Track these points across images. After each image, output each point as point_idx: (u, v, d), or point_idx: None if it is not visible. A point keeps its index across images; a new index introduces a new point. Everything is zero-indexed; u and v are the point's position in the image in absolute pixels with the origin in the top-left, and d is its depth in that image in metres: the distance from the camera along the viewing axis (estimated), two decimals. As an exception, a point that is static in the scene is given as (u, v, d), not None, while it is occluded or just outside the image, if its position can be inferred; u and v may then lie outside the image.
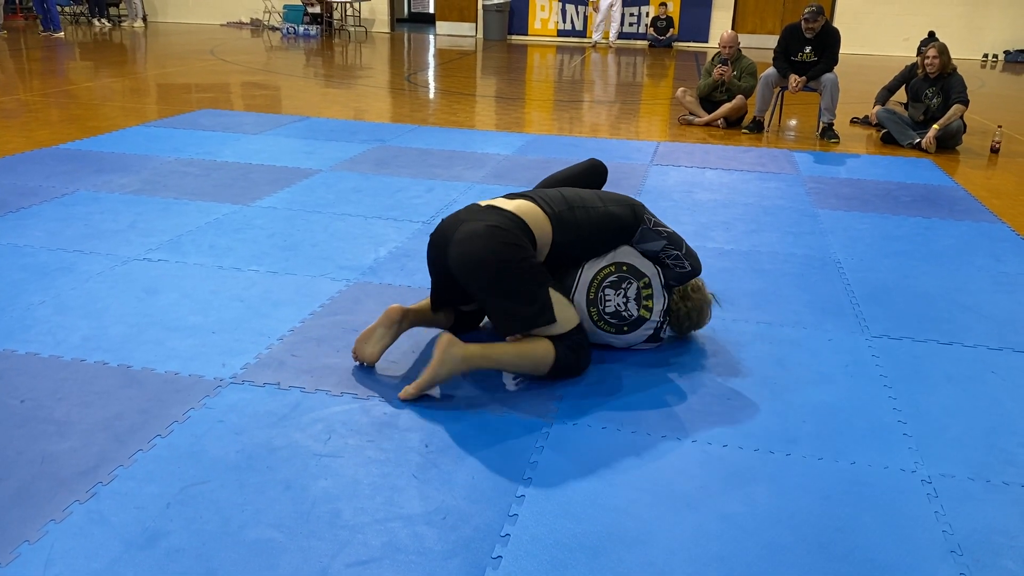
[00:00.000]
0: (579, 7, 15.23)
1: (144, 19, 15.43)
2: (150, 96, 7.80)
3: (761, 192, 5.01)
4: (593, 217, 2.70)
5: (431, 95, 8.83)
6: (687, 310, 2.86)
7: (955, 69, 6.51)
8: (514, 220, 2.58)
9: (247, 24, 15.79)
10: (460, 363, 2.45)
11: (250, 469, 2.10)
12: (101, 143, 5.64)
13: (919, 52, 6.70)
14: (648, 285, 2.74)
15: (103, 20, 15.00)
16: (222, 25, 15.86)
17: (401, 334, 2.75)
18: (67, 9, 15.58)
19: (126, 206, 4.25)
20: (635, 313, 2.73)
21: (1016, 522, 2.00)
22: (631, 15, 15.19)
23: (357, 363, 2.66)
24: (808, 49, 6.79)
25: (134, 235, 3.81)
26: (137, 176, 4.83)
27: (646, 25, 15.12)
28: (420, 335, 2.87)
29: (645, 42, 15.04)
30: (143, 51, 11.73)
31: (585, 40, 15.15)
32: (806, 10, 6.68)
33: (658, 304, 2.77)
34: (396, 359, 2.71)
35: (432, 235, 2.71)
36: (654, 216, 2.83)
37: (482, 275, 2.49)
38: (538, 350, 2.53)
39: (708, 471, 2.16)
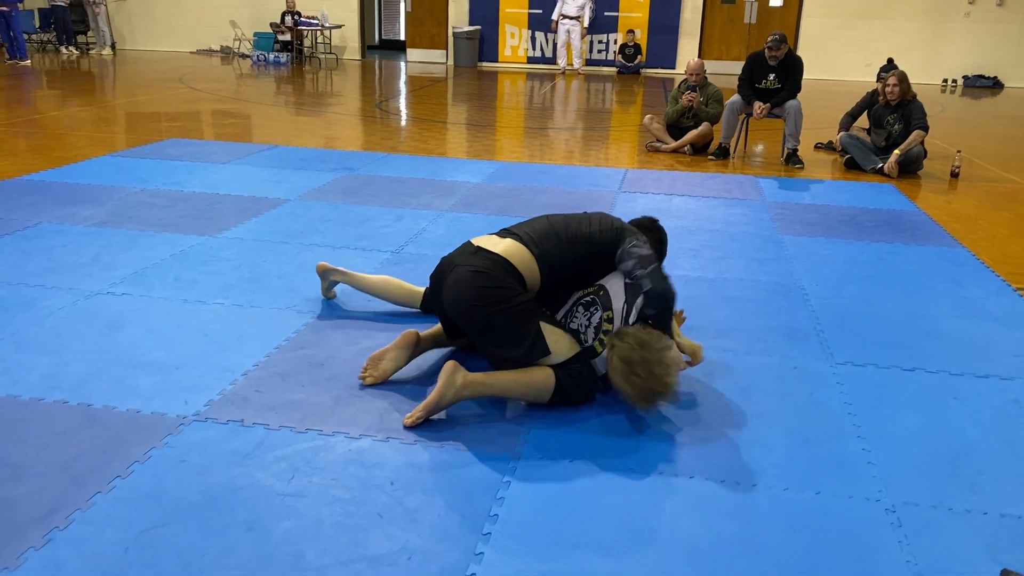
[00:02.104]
0: (548, 34, 15.37)
1: (112, 47, 15.35)
2: (118, 125, 7.74)
3: (727, 219, 5.06)
4: (579, 252, 2.74)
5: (402, 122, 8.85)
6: (611, 358, 2.51)
7: (915, 96, 6.65)
8: (500, 263, 2.64)
9: (217, 52, 15.75)
10: (463, 389, 2.51)
11: (212, 510, 2.06)
12: (66, 174, 5.58)
13: (879, 79, 6.81)
14: (610, 320, 2.68)
15: (71, 48, 14.89)
16: (192, 53, 15.81)
17: (416, 357, 2.86)
18: (34, 37, 15.47)
19: (90, 239, 4.20)
20: (589, 341, 2.69)
21: (978, 551, 2.02)
22: (599, 42, 15.36)
23: (362, 382, 2.73)
24: (772, 76, 6.90)
25: (97, 269, 3.76)
26: (102, 208, 4.78)
27: (614, 52, 15.29)
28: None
29: (614, 69, 15.21)
30: (111, 79, 11.65)
31: (555, 67, 15.28)
32: (770, 38, 6.80)
33: None
34: (376, 389, 2.69)
35: (431, 276, 2.82)
36: (638, 239, 2.74)
37: (471, 320, 2.62)
38: (539, 377, 2.57)
39: (675, 504, 2.16)
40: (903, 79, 6.61)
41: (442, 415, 2.56)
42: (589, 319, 2.72)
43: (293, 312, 3.34)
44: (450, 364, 2.52)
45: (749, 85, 6.98)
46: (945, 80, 14.66)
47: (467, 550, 1.95)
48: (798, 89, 6.91)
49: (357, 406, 2.60)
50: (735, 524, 2.08)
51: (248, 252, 4.07)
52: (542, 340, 2.58)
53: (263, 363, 2.88)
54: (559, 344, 2.61)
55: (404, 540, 1.98)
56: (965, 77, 14.67)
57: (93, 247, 4.07)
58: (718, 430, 2.55)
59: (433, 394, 2.49)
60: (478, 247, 2.72)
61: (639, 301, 2.62)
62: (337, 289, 3.51)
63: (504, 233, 2.81)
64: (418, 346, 2.82)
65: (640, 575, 1.89)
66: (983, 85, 14.53)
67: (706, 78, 7.37)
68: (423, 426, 2.50)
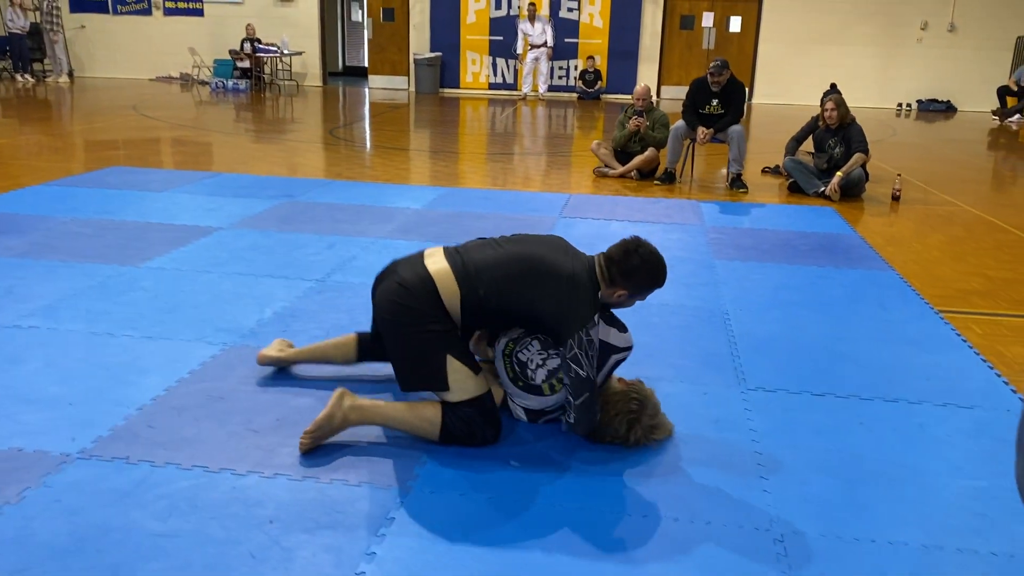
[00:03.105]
0: (509, 61, 15.47)
1: (70, 74, 15.23)
2: (61, 154, 7.64)
3: (663, 243, 5.02)
4: (512, 314, 2.55)
5: (353, 149, 8.82)
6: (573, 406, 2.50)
7: (854, 119, 6.73)
8: (426, 284, 2.51)
9: (176, 79, 15.68)
10: (350, 412, 2.51)
11: (78, 553, 1.99)
12: (-4, 203, 5.48)
13: (822, 104, 6.89)
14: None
15: (27, 76, 14.75)
16: (151, 80, 15.73)
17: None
18: (-10, 64, 15.32)
19: (7, 270, 4.10)
20: (536, 381, 2.59)
21: (859, 580, 2.00)
22: (560, 68, 15.47)
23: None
24: (715, 102, 6.96)
25: (9, 301, 3.68)
26: (26, 238, 4.69)
27: (575, 78, 15.41)
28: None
29: (574, 94, 15.32)
30: (64, 107, 11.54)
31: (515, 93, 15.37)
32: (712, 64, 6.86)
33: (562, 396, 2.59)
34: (268, 424, 2.63)
35: (378, 275, 2.74)
36: (579, 341, 2.42)
37: (386, 331, 2.59)
38: (427, 414, 2.53)
39: (561, 535, 2.12)
40: (840, 104, 6.70)
41: (339, 446, 2.50)
42: (544, 360, 2.59)
43: (203, 344, 3.27)
44: (340, 389, 2.52)
45: (693, 111, 7.03)
46: (899, 104, 14.91)
47: (336, 591, 1.90)
48: (741, 114, 6.97)
49: (249, 441, 2.54)
50: (620, 556, 2.04)
51: (168, 282, 4.00)
52: (443, 374, 2.49)
53: (161, 397, 2.81)
54: (462, 383, 2.49)
55: (273, 581, 1.92)
56: (919, 101, 14.93)
57: (9, 279, 3.97)
58: (616, 460, 2.51)
59: (319, 417, 2.48)
60: (420, 258, 2.61)
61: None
62: (260, 325, 3.47)
63: (452, 251, 2.63)
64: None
65: (511, 613, 1.84)
66: (936, 109, 14.79)
67: (652, 103, 7.43)
68: (314, 461, 2.44)
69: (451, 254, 2.62)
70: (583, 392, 2.45)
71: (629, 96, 15.29)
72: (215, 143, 8.63)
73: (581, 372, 2.43)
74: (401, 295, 2.52)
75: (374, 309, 2.68)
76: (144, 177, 6.55)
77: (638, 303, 2.74)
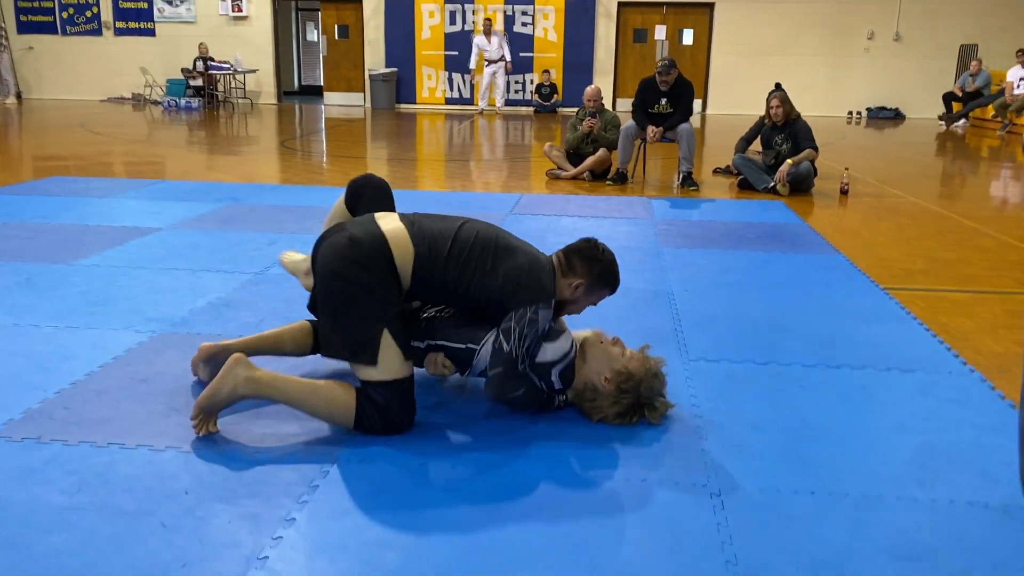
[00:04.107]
0: (465, 76, 15.49)
1: (18, 96, 14.96)
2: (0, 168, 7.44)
3: (610, 235, 5.02)
4: (461, 286, 2.42)
5: (307, 158, 8.72)
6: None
7: (799, 115, 6.80)
8: (379, 241, 2.37)
9: (128, 99, 15.47)
10: (244, 384, 2.30)
11: (-27, 529, 1.87)
12: (-74, 211, 5.30)
13: (767, 102, 6.94)
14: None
15: (-28, 98, 14.47)
16: (102, 100, 15.49)
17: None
18: (-66, 87, 15.00)
19: (-69, 270, 3.95)
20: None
21: (796, 528, 1.94)
22: (516, 82, 15.52)
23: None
24: (664, 101, 6.99)
25: (-71, 298, 3.52)
26: (-46, 241, 4.52)
27: (531, 92, 15.46)
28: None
29: (531, 108, 15.36)
30: (11, 127, 11.28)
31: (472, 107, 15.38)
32: (659, 64, 6.90)
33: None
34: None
35: (320, 234, 2.56)
36: (520, 316, 2.33)
37: (326, 286, 2.37)
38: (337, 395, 2.32)
39: (489, 501, 2.04)
40: (785, 100, 6.76)
41: (265, 419, 2.40)
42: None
43: (131, 332, 3.15)
44: (235, 355, 2.33)
45: (642, 110, 7.05)
46: (850, 112, 15.16)
47: (251, 555, 1.79)
48: (690, 112, 7.00)
49: (171, 420, 2.43)
50: (543, 517, 1.97)
51: (100, 278, 3.86)
52: (374, 347, 2.31)
53: (81, 381, 2.68)
54: (390, 361, 2.32)
55: (183, 549, 1.81)
56: (869, 109, 15.20)
57: (-69, 278, 3.82)
58: (553, 425, 2.44)
59: (208, 388, 2.30)
60: (371, 219, 2.47)
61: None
62: (192, 314, 3.35)
63: (406, 216, 2.52)
64: (219, 357, 2.61)
65: (433, 569, 1.76)
66: (885, 116, 15.06)
67: (603, 104, 7.44)
68: (237, 435, 2.34)
69: (405, 218, 2.50)
70: (498, 365, 2.34)
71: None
72: (163, 155, 8.49)
73: (505, 346, 2.33)
74: (351, 249, 2.34)
75: (314, 269, 2.46)
76: (85, 185, 6.39)
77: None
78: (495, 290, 2.40)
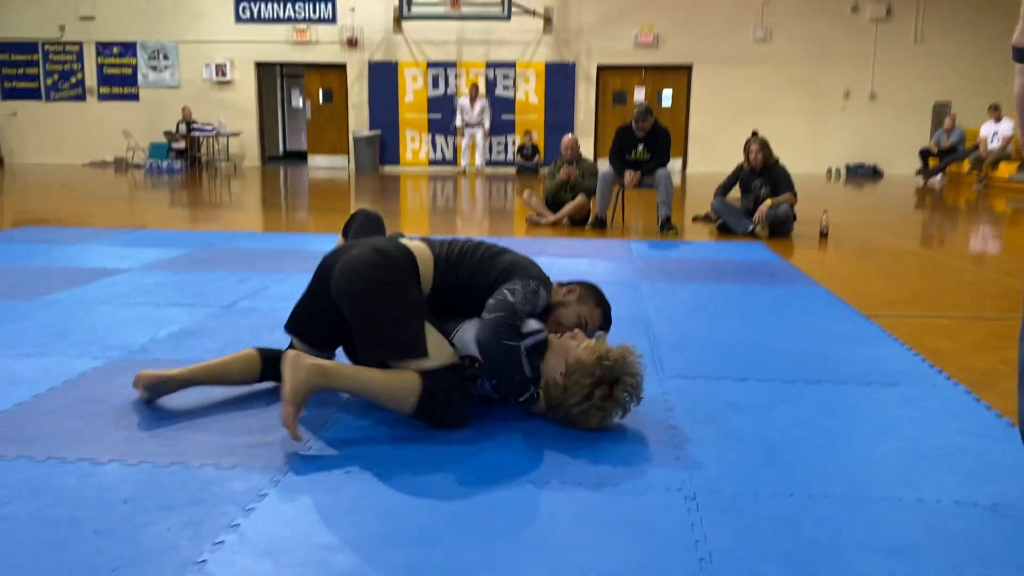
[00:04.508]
0: (448, 137, 15.66)
1: (0, 161, 14.96)
2: (-27, 220, 7.35)
3: (589, 272, 4.96)
4: (477, 264, 2.55)
5: (288, 211, 8.68)
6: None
7: (777, 160, 6.83)
8: (405, 253, 2.50)
9: (110, 163, 15.50)
10: (315, 373, 2.23)
11: None
12: None
13: (746, 149, 6.99)
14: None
15: (-45, 163, 14.47)
16: (84, 165, 15.52)
17: (164, 395, 2.55)
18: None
19: None
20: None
21: (774, 527, 1.82)
22: (498, 143, 15.69)
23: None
24: (641, 147, 7.02)
25: None
26: (-85, 282, 4.41)
27: (513, 152, 15.62)
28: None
29: (513, 168, 15.49)
30: (-12, 187, 11.25)
31: (456, 167, 15.49)
32: (635, 111, 6.95)
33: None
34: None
35: (325, 256, 2.60)
36: (518, 285, 2.42)
37: (359, 297, 2.38)
38: (406, 379, 2.29)
39: (450, 510, 1.92)
40: (764, 145, 6.81)
41: (213, 431, 2.28)
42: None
43: (86, 359, 3.03)
44: (290, 353, 2.27)
45: (620, 157, 7.08)
46: (829, 169, 15.36)
47: (188, 559, 1.66)
48: (667, 158, 7.03)
49: (117, 435, 2.30)
50: (510, 523, 1.85)
51: (61, 313, 3.75)
52: (422, 338, 2.32)
53: (27, 403, 2.55)
54: (439, 350, 2.35)
55: (115, 554, 1.68)
56: (847, 166, 15.40)
57: None
58: (520, 431, 2.33)
59: (284, 386, 2.21)
60: (395, 233, 2.62)
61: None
62: (153, 343, 3.24)
63: (415, 238, 2.66)
64: (160, 388, 2.52)
65: (387, 573, 1.63)
66: (864, 173, 15.26)
67: (581, 153, 7.48)
68: (186, 447, 2.21)
69: (410, 238, 2.64)
70: (499, 310, 2.35)
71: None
72: (140, 208, 8.43)
73: (510, 297, 2.38)
74: (379, 255, 2.43)
75: (330, 282, 2.45)
76: (58, 234, 6.30)
77: None
78: (500, 278, 2.48)
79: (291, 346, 2.66)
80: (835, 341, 3.39)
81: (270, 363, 2.62)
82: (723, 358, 3.14)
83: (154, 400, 2.53)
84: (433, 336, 2.37)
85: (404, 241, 2.57)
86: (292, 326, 2.67)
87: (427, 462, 2.16)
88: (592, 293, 2.74)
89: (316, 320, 2.60)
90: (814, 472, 2.11)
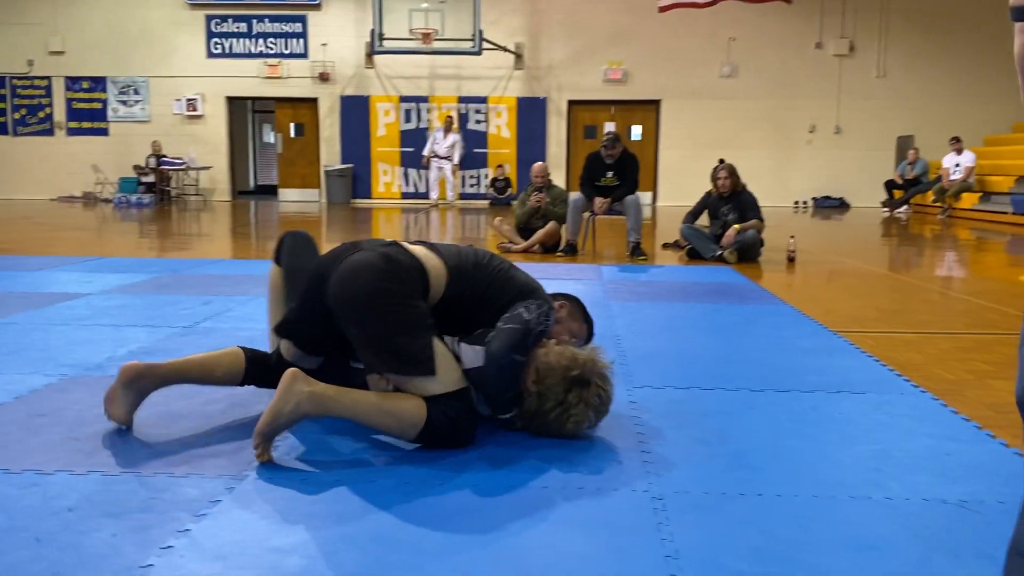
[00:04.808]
0: (420, 171, 15.68)
1: (-35, 196, 14.75)
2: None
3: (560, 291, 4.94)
4: (492, 291, 2.40)
5: (257, 240, 8.60)
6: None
7: (745, 187, 6.90)
8: (414, 262, 2.32)
9: (79, 198, 15.33)
10: (307, 401, 2.09)
11: None
12: None
13: (713, 176, 7.05)
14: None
15: (-83, 197, 14.23)
16: (52, 200, 15.33)
17: (150, 393, 2.38)
18: None
19: None
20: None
21: (741, 524, 1.78)
22: (471, 177, 15.74)
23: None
24: (610, 174, 7.06)
25: None
26: None
27: (486, 185, 15.67)
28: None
29: (486, 201, 15.53)
30: (-50, 220, 11.05)
31: (428, 201, 15.50)
32: (604, 138, 7.00)
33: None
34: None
35: (320, 260, 2.42)
36: (537, 306, 2.34)
37: (361, 306, 2.21)
38: (407, 406, 2.16)
39: (411, 513, 1.86)
40: (732, 172, 6.87)
41: (171, 441, 2.20)
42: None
43: (39, 376, 2.94)
44: (290, 372, 2.12)
45: (589, 183, 7.12)
46: (796, 202, 15.55)
47: (132, 564, 1.59)
48: (636, 185, 7.07)
49: (67, 447, 2.22)
50: (469, 521, 1.79)
51: (14, 334, 3.65)
52: (430, 355, 2.17)
53: (-26, 417, 2.46)
54: (448, 371, 2.21)
55: (55, 560, 1.60)
56: (815, 199, 15.61)
57: None
58: (497, 440, 2.28)
59: (269, 408, 2.07)
60: (393, 240, 2.41)
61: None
62: (111, 361, 3.14)
63: (416, 242, 2.47)
64: (145, 380, 2.34)
65: (341, 572, 1.56)
66: (831, 205, 15.47)
67: (551, 180, 7.50)
68: (138, 456, 2.13)
69: (415, 243, 2.46)
70: (515, 323, 2.26)
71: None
72: (106, 238, 8.31)
73: (525, 314, 2.29)
74: (389, 264, 2.24)
75: (327, 288, 2.27)
76: (16, 261, 6.17)
77: None
78: (516, 298, 2.38)
79: (279, 353, 2.52)
80: (803, 354, 3.39)
81: (255, 367, 2.49)
82: (691, 369, 3.11)
83: (129, 404, 2.34)
84: (444, 354, 2.23)
85: (411, 248, 2.38)
86: (283, 330, 2.47)
87: (391, 468, 2.10)
88: (580, 308, 2.75)
89: (309, 326, 2.42)
90: (782, 474, 2.08)
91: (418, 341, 2.18)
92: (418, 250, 2.39)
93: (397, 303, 2.21)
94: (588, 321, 2.76)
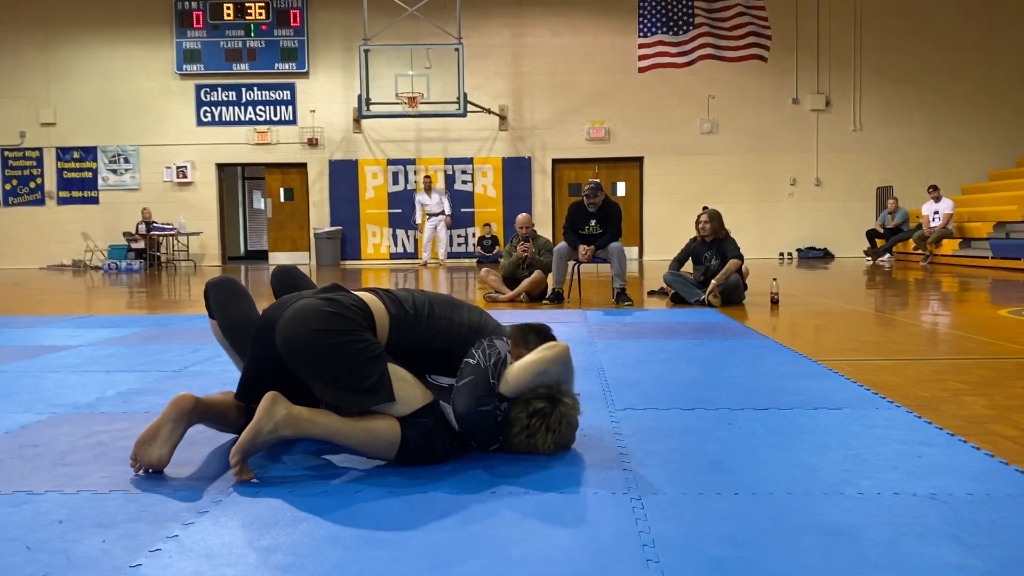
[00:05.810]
0: (409, 232, 15.86)
1: (-45, 266, 14.80)
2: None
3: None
4: (438, 340, 2.42)
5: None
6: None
7: (728, 233, 7.04)
8: (356, 303, 2.36)
9: (68, 266, 15.40)
10: (285, 422, 2.13)
11: None
12: None
13: (697, 222, 7.20)
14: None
15: (-93, 268, 14.28)
16: (42, 268, 15.39)
17: (189, 428, 2.34)
18: None
19: None
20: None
21: (717, 518, 1.84)
22: (459, 236, 15.92)
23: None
24: (593, 222, 7.20)
25: None
26: None
27: (473, 244, 15.84)
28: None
29: (474, 259, 15.68)
30: (-60, 288, 11.09)
31: (417, 260, 15.64)
32: (586, 187, 7.17)
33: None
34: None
35: (266, 310, 2.46)
36: (487, 345, 2.36)
37: (309, 350, 2.24)
38: (380, 427, 2.21)
39: (400, 515, 1.90)
40: (714, 217, 7.03)
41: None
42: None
43: (29, 414, 2.98)
44: (270, 394, 2.16)
45: (573, 231, 7.25)
46: (781, 253, 15.76)
47: (122, 564, 1.62)
48: (619, 232, 7.21)
49: (57, 471, 2.26)
50: (450, 524, 1.84)
51: (5, 380, 3.68)
52: (387, 383, 2.23)
53: (-35, 449, 2.50)
54: (408, 392, 2.26)
55: (47, 563, 1.64)
56: (799, 249, 15.83)
57: None
58: (481, 455, 2.33)
59: (247, 429, 2.11)
60: (334, 284, 2.48)
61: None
62: (100, 400, 3.17)
63: (364, 289, 2.51)
64: (193, 413, 2.31)
65: (329, 566, 1.60)
66: (815, 256, 15.68)
67: (536, 231, 7.64)
68: (127, 476, 2.17)
69: (366, 289, 2.50)
70: (469, 375, 2.29)
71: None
72: (96, 299, 8.36)
73: (472, 360, 2.31)
74: (331, 306, 2.28)
75: (278, 343, 2.28)
76: (5, 320, 6.22)
77: None
78: (459, 339, 2.40)
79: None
80: (783, 378, 3.46)
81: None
82: (672, 393, 3.18)
83: (170, 456, 2.24)
84: (401, 378, 2.27)
85: (354, 292, 2.43)
86: (243, 394, 2.46)
87: (375, 477, 2.14)
88: (522, 332, 2.62)
89: (267, 383, 2.37)
90: (758, 476, 2.14)
91: (370, 370, 2.23)
92: (361, 294, 2.44)
93: (343, 339, 2.23)
94: (538, 333, 2.66)
